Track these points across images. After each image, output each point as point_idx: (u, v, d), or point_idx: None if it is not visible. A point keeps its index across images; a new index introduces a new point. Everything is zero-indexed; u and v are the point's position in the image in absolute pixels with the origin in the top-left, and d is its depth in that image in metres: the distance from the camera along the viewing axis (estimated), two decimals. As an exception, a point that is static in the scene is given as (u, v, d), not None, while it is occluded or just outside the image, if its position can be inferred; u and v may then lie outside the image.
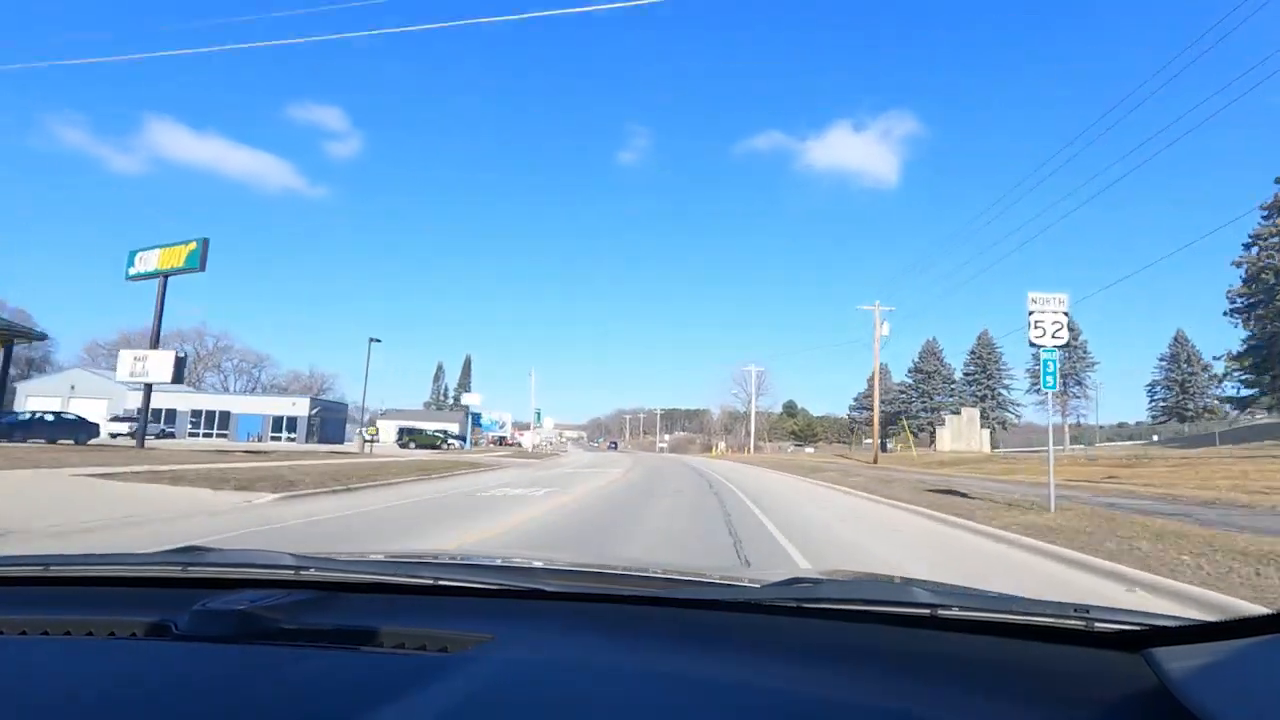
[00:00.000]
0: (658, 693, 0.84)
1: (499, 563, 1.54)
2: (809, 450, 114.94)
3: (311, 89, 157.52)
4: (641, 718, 0.80)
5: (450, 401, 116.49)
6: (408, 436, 50.52)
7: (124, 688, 0.85)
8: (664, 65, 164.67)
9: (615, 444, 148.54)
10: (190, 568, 1.23)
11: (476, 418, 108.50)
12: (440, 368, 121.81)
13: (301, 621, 1.01)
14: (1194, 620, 0.88)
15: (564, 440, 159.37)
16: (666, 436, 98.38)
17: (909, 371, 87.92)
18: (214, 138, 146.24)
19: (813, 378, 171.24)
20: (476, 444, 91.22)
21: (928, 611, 0.97)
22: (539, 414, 62.38)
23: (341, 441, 51.66)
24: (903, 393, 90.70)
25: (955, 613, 0.97)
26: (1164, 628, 0.88)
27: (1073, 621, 0.93)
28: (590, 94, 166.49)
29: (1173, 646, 0.84)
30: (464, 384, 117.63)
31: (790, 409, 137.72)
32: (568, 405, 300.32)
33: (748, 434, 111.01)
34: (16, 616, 1.07)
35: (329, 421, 57.32)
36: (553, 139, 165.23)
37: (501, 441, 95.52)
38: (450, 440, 54.23)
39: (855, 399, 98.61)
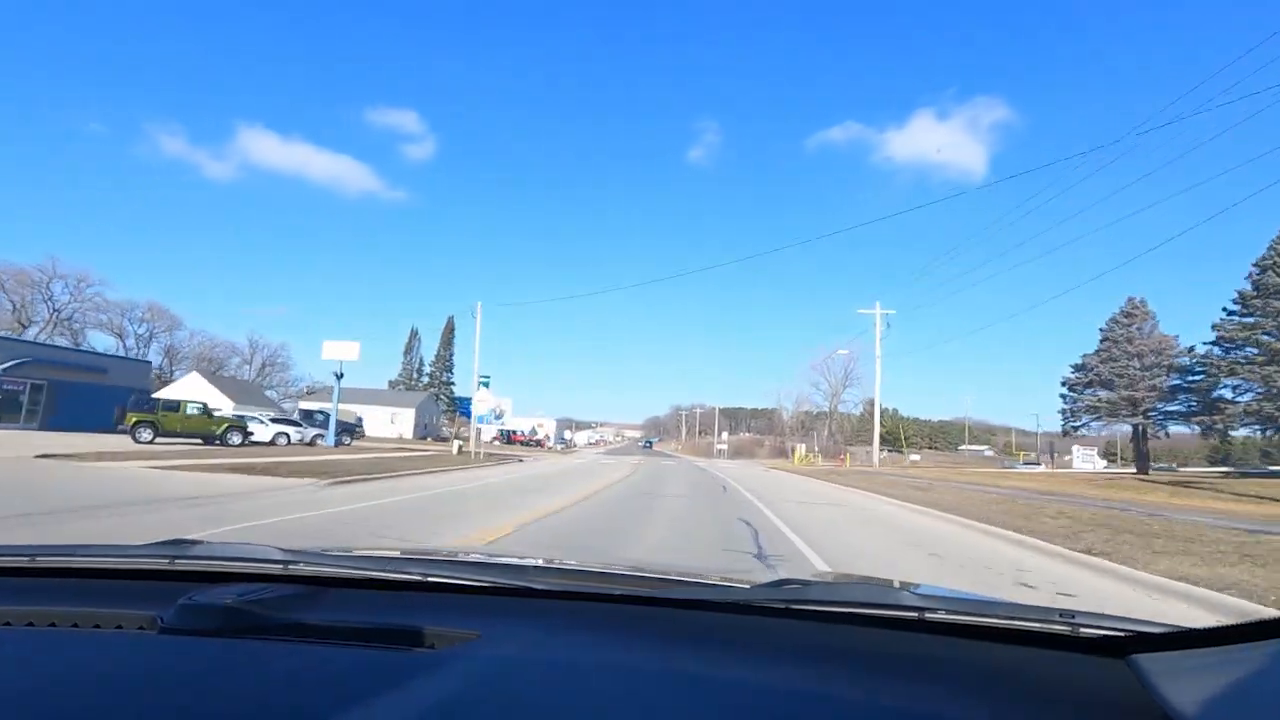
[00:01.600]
0: (645, 692, 0.84)
1: (489, 560, 1.50)
2: (914, 458, 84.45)
3: (388, 92, 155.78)
4: (627, 717, 0.80)
5: (424, 380, 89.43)
6: (136, 416, 23.96)
7: (109, 680, 0.84)
8: (735, 53, 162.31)
9: (649, 443, 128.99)
10: (177, 561, 1.22)
11: (463, 405, 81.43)
12: (414, 335, 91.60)
13: (288, 616, 1.01)
14: (1178, 627, 0.89)
15: (622, 439, 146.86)
16: (726, 435, 69.50)
17: (1241, 306, 38.40)
18: (300, 143, 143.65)
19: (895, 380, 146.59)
20: (458, 438, 65.88)
21: (915, 614, 0.98)
22: (485, 382, 35.62)
23: (106, 426, 26.10)
24: (1203, 359, 39.91)
25: (942, 616, 0.97)
26: (1148, 634, 0.88)
27: (1057, 626, 0.93)
28: (660, 87, 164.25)
29: (1156, 653, 0.84)
30: (444, 357, 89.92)
31: (872, 409, 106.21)
32: (629, 406, 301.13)
33: (830, 435, 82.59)
34: (1, 607, 1.07)
35: (71, 390, 31.50)
36: (622, 134, 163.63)
37: (509, 438, 69.07)
38: (285, 428, 28.02)
39: (1078, 367, 46.53)
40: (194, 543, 1.38)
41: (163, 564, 1.21)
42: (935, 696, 0.82)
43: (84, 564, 1.24)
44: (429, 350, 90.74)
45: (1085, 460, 63.29)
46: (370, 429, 58.42)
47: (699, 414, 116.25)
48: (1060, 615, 0.93)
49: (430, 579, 1.16)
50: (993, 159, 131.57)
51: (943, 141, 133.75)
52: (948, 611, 0.97)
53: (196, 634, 0.94)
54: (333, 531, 8.29)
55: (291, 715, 0.77)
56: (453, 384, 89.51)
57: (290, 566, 1.17)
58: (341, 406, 55.24)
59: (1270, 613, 4.85)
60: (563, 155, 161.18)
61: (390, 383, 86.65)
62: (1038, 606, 0.97)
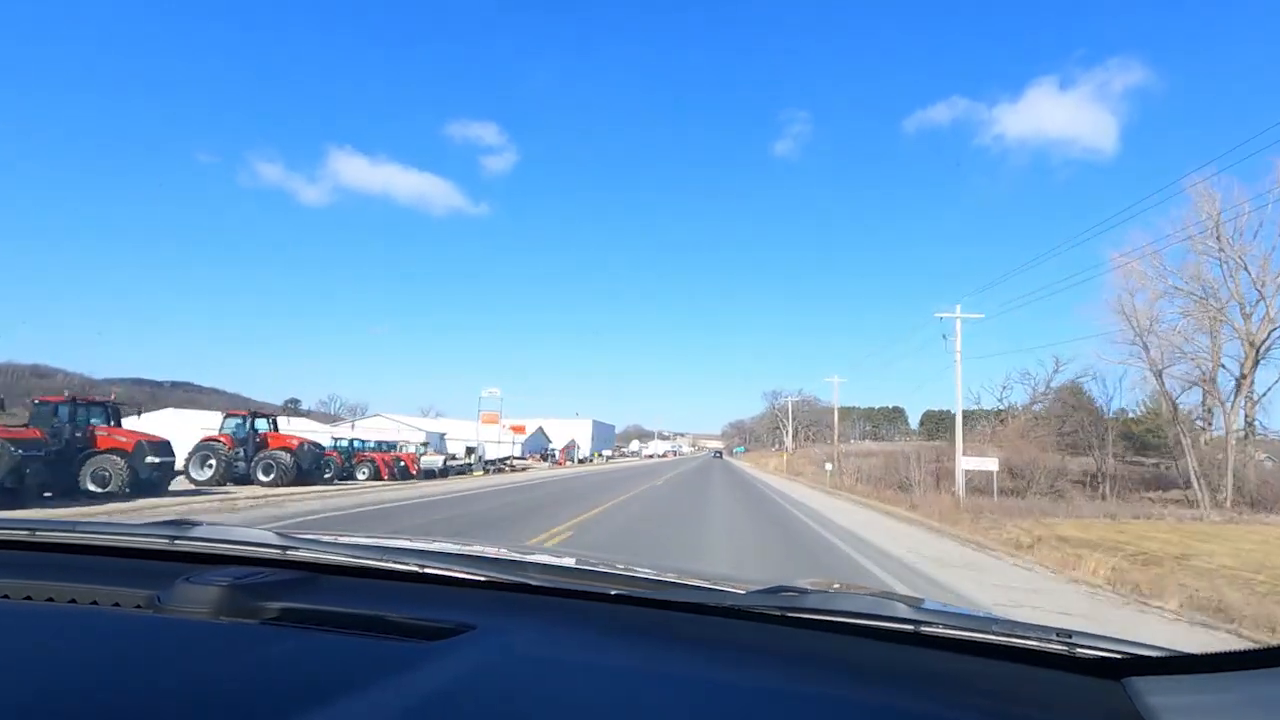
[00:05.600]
0: (637, 693, 0.85)
1: (487, 554, 1.48)
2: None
3: (469, 105, 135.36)
4: (615, 715, 0.80)
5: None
6: None
7: (104, 657, 0.85)
8: (826, 31, 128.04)
9: (719, 453, 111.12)
10: (177, 540, 1.25)
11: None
12: None
13: (284, 601, 1.02)
14: (1176, 651, 0.88)
15: (697, 449, 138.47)
16: (998, 447, 21.29)
17: None
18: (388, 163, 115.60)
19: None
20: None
21: (911, 627, 0.97)
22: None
23: None
24: None
25: (938, 630, 0.97)
26: (1145, 657, 0.88)
27: (1054, 645, 0.92)
28: (747, 77, 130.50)
29: (1153, 677, 0.83)
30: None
31: (1155, 413, 48.93)
32: (711, 415, 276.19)
33: (1247, 433, 29.29)
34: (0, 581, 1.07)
35: None
36: (706, 131, 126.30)
37: (260, 440, 20.66)
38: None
39: None
40: (194, 523, 1.39)
41: (162, 544, 1.23)
42: (928, 710, 0.81)
43: (84, 540, 1.25)
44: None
45: None
46: None
47: (823, 401, 66.76)
48: (1057, 635, 0.92)
49: (427, 570, 1.17)
50: (1125, 130, 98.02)
51: (1065, 115, 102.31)
52: (944, 626, 0.96)
53: (193, 615, 0.95)
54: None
55: (283, 700, 0.76)
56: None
57: (288, 551, 1.19)
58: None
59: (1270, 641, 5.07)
60: (644, 157, 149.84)
61: None
62: (1036, 625, 0.96)
